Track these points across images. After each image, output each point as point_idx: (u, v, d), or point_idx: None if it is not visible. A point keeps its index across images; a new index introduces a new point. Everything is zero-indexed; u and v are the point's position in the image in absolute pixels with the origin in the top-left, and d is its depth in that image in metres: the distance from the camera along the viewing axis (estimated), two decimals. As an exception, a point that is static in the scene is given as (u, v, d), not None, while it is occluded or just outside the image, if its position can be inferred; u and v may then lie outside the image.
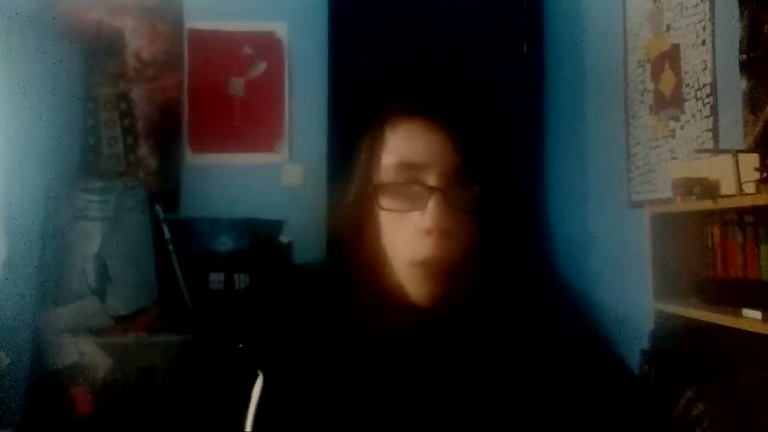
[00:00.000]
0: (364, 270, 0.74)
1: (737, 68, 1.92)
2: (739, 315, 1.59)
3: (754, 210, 1.74)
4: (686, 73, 2.22)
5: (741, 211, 1.80)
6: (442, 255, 0.70)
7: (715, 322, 1.67)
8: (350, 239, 0.75)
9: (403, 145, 0.72)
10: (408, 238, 0.71)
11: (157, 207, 2.98)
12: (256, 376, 0.76)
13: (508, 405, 0.71)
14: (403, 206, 0.72)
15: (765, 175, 1.63)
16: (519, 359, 0.73)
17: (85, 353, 2.55)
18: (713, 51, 2.06)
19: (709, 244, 1.94)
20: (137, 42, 3.28)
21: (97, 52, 3.23)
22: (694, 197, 1.84)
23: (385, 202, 0.72)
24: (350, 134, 0.77)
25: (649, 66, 2.47)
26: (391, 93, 0.77)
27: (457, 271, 0.71)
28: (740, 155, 1.71)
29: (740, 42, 1.91)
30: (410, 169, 0.72)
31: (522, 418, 0.71)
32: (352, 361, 0.73)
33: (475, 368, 0.72)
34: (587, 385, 0.73)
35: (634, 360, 1.87)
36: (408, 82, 0.77)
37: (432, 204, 0.70)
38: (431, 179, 0.71)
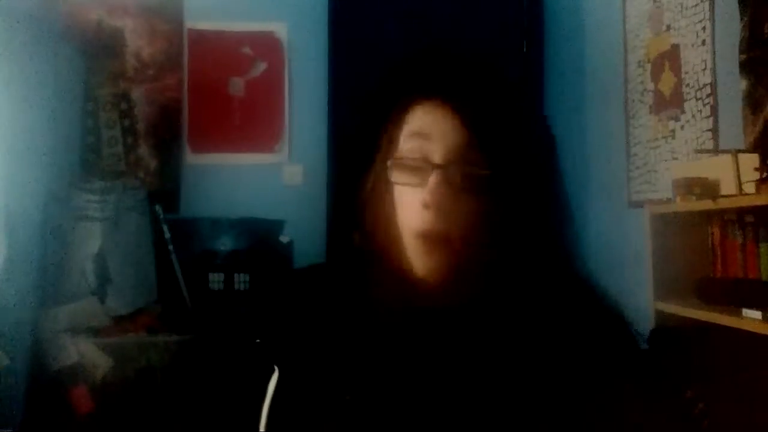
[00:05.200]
0: (379, 245, 0.77)
1: (737, 68, 1.92)
2: (739, 315, 1.59)
3: (754, 210, 1.74)
4: (686, 73, 2.22)
5: (741, 211, 1.80)
6: (439, 229, 0.73)
7: (715, 322, 1.67)
8: (368, 214, 0.78)
9: (415, 120, 0.76)
10: (412, 211, 0.74)
11: (157, 207, 2.98)
12: (272, 371, 0.77)
13: (520, 386, 0.72)
14: (409, 180, 0.75)
15: (765, 175, 1.63)
16: (531, 342, 0.73)
17: (84, 353, 2.55)
18: (713, 51, 2.06)
19: (709, 244, 1.94)
20: (137, 42, 3.28)
21: (97, 52, 3.23)
22: (694, 197, 1.84)
23: (395, 175, 0.76)
24: (368, 118, 0.81)
25: (649, 66, 2.47)
26: (409, 75, 0.80)
27: (458, 248, 0.73)
28: (740, 155, 1.71)
29: (740, 42, 1.91)
30: (419, 140, 0.75)
31: (534, 399, 0.71)
32: (367, 350, 0.75)
33: (487, 351, 0.73)
34: (601, 364, 0.74)
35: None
36: (425, 64, 0.80)
37: (432, 179, 0.73)
38: (436, 155, 0.74)
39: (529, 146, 0.80)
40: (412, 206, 0.74)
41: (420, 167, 0.74)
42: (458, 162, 0.74)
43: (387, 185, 0.76)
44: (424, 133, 0.75)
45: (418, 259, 0.74)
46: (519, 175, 0.76)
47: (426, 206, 0.73)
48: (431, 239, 0.73)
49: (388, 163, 0.76)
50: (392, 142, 0.77)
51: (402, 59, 0.82)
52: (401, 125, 0.77)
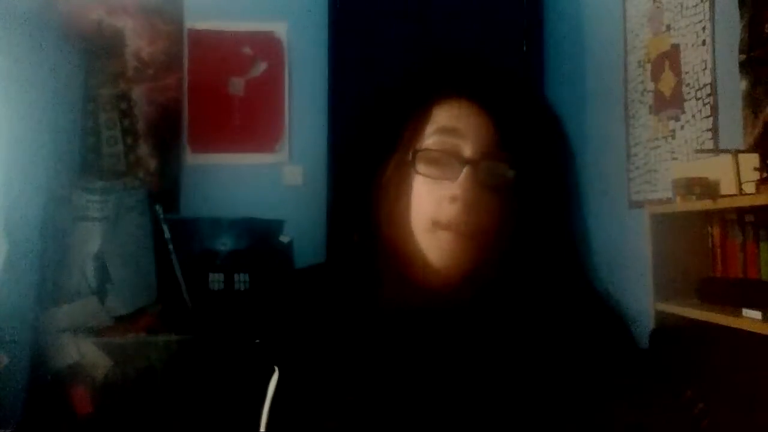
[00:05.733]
0: (390, 238, 0.76)
1: (737, 68, 1.92)
2: (739, 315, 1.59)
3: (754, 210, 1.74)
4: (686, 73, 2.22)
5: (741, 211, 1.80)
6: (464, 222, 0.72)
7: (715, 322, 1.67)
8: (381, 207, 0.77)
9: (444, 115, 0.76)
10: (434, 204, 0.74)
11: (157, 207, 2.98)
12: (272, 372, 0.77)
13: (524, 388, 0.72)
14: (436, 173, 0.74)
15: (765, 175, 1.63)
16: (535, 344, 0.73)
17: (85, 353, 2.55)
18: (713, 51, 2.06)
19: (709, 244, 1.94)
20: (137, 42, 3.28)
21: (97, 52, 3.23)
22: (694, 197, 1.84)
23: (421, 166, 0.75)
24: (389, 111, 0.79)
25: (649, 66, 2.47)
26: (438, 71, 0.79)
27: (479, 244, 0.73)
28: (740, 155, 1.71)
29: (740, 42, 1.91)
30: (449, 135, 0.75)
31: (538, 399, 0.71)
32: (370, 349, 0.74)
33: (491, 352, 0.73)
34: (602, 364, 0.74)
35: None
36: (454, 62, 0.80)
37: (463, 175, 0.73)
38: (467, 151, 0.74)
39: (553, 149, 0.79)
40: (432, 199, 0.74)
41: (449, 161, 0.74)
42: (488, 159, 0.74)
43: (406, 178, 0.76)
44: (455, 128, 0.75)
45: (436, 250, 0.73)
46: (544, 176, 0.76)
47: (454, 200, 0.72)
48: (454, 233, 0.73)
49: (410, 155, 0.75)
50: (415, 136, 0.76)
51: (431, 57, 0.82)
52: (426, 120, 0.76)
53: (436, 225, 0.73)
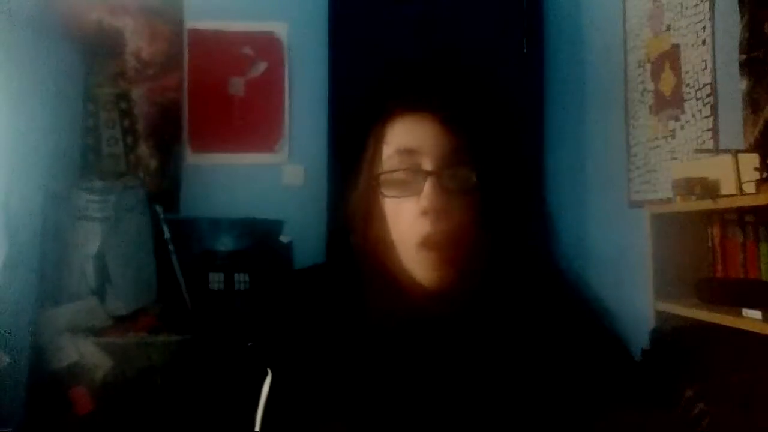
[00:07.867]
0: (372, 258, 0.77)
1: (737, 68, 1.92)
2: (739, 315, 1.59)
3: (754, 210, 1.74)
4: (686, 73, 2.22)
5: (741, 211, 1.80)
6: (440, 233, 0.73)
7: (715, 322, 1.67)
8: (358, 229, 0.78)
9: (399, 135, 0.77)
10: (409, 222, 0.75)
11: (157, 207, 2.98)
12: (265, 374, 0.77)
13: (519, 389, 0.72)
14: (402, 192, 0.75)
15: (765, 175, 1.63)
16: (529, 343, 0.73)
17: (85, 353, 2.55)
18: (713, 51, 2.06)
19: (709, 244, 1.94)
20: (137, 42, 3.28)
21: (97, 52, 3.23)
22: (694, 197, 1.84)
23: (386, 189, 0.76)
24: (353, 132, 0.80)
25: (649, 66, 2.47)
26: (388, 90, 0.80)
27: (461, 252, 0.74)
28: (740, 155, 1.71)
29: (740, 42, 1.91)
30: (407, 156, 0.76)
31: (531, 403, 0.71)
32: (362, 354, 0.75)
33: (486, 355, 0.73)
34: (595, 369, 0.74)
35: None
36: (403, 79, 0.81)
37: (427, 186, 0.74)
38: (426, 164, 0.75)
39: (515, 147, 0.80)
40: (408, 217, 0.75)
41: (411, 178, 0.75)
42: (449, 166, 0.75)
43: (375, 200, 0.77)
44: (411, 147, 0.75)
45: (423, 269, 0.74)
46: (507, 176, 0.77)
47: (425, 213, 0.73)
48: (435, 245, 0.73)
49: (373, 179, 0.76)
50: (375, 158, 0.77)
51: (380, 78, 0.83)
52: (383, 141, 0.77)
53: (419, 242, 0.74)
